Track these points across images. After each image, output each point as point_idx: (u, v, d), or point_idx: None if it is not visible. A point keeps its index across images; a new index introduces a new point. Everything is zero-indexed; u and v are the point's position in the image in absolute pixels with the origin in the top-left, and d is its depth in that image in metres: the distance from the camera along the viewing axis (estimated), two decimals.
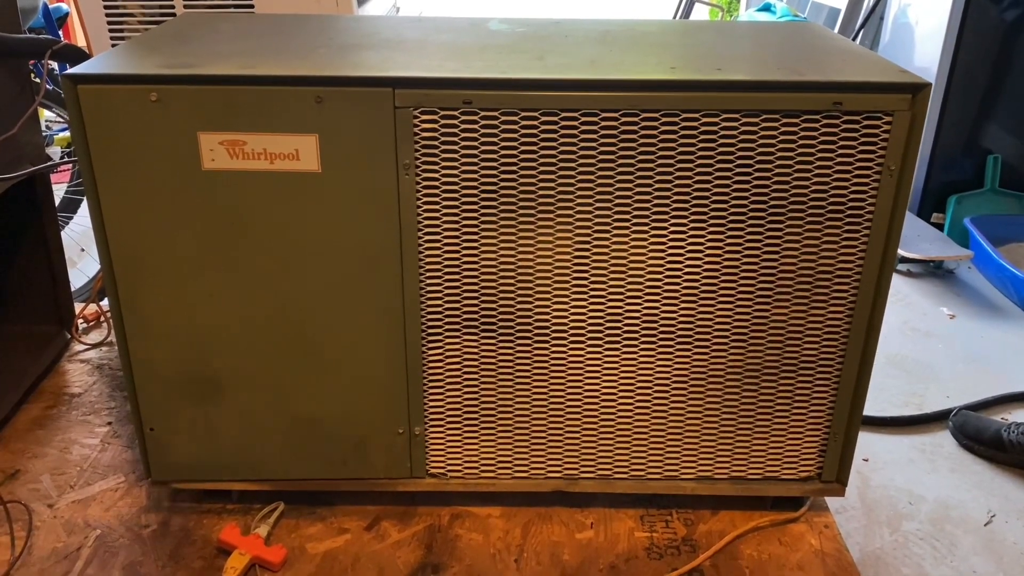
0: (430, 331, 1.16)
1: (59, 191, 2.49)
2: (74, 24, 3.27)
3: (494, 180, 1.07)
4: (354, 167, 1.06)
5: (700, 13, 5.02)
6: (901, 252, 2.60)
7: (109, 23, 1.91)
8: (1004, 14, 2.81)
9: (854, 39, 3.58)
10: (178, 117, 1.03)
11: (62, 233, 1.73)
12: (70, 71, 1.01)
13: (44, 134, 2.65)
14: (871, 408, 1.96)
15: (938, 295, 2.59)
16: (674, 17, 4.24)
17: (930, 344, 2.30)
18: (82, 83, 1.01)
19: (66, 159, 1.83)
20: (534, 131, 1.04)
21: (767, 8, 3.94)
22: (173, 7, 1.85)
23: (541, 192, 1.07)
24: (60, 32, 3.03)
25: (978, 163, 2.93)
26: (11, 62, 1.46)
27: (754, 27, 1.35)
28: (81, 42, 3.46)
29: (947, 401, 2.01)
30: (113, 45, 1.99)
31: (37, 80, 1.61)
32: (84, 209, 2.40)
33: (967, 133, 2.92)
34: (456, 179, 1.07)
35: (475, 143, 1.05)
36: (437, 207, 1.08)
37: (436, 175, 1.07)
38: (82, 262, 2.34)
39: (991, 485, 1.74)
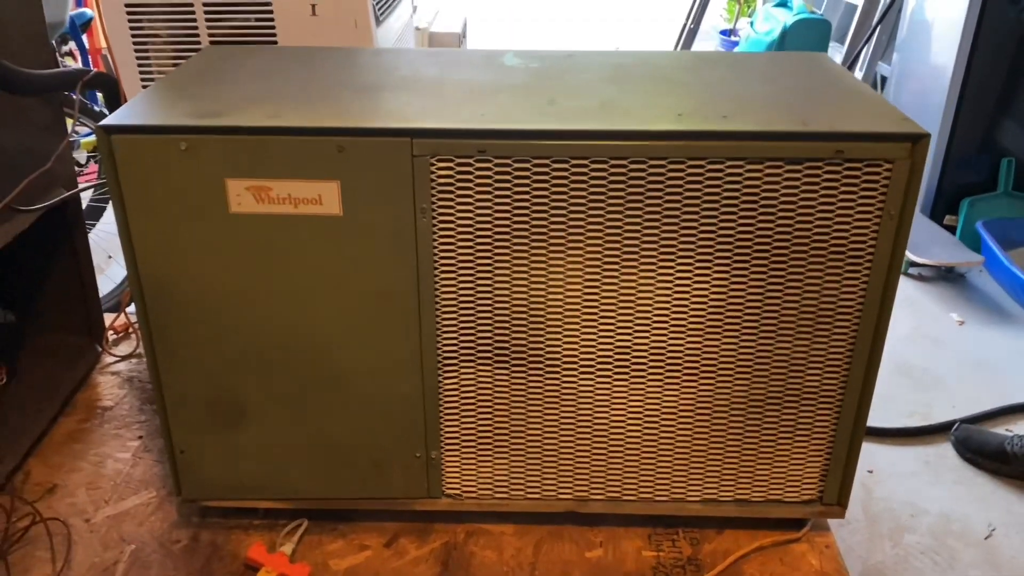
0: (446, 362, 1.21)
1: (83, 195, 2.55)
2: (98, 28, 3.34)
3: (507, 222, 1.12)
4: (374, 211, 1.11)
5: (718, 3, 5.01)
6: (912, 256, 2.63)
7: (134, 40, 1.96)
8: (1022, 14, 2.80)
9: (870, 36, 3.57)
10: (207, 165, 1.08)
11: (88, 237, 1.79)
12: (104, 123, 1.06)
13: (71, 139, 2.71)
14: (877, 418, 2.00)
15: (948, 300, 2.62)
16: (685, 21, 4.23)
17: (938, 351, 2.33)
18: (115, 133, 1.06)
19: (92, 161, 1.87)
20: (546, 177, 1.09)
21: (783, 3, 3.94)
22: (196, 29, 1.90)
23: (553, 233, 1.12)
24: (84, 36, 3.09)
25: (992, 165, 2.94)
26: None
27: (764, 61, 1.38)
28: (102, 39, 3.52)
29: (953, 411, 2.05)
30: (137, 57, 2.04)
31: (68, 111, 1.66)
32: (109, 215, 2.46)
33: (982, 134, 2.93)
34: (471, 221, 1.12)
35: (489, 188, 1.09)
36: (453, 247, 1.13)
37: (452, 218, 1.12)
38: (109, 268, 2.41)
39: (993, 498, 1.78)
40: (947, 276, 2.76)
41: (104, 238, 2.37)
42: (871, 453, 1.91)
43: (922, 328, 2.45)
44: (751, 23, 4.21)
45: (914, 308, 2.57)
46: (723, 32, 4.84)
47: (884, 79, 3.55)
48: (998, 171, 2.93)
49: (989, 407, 2.06)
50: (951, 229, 2.93)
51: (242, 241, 1.13)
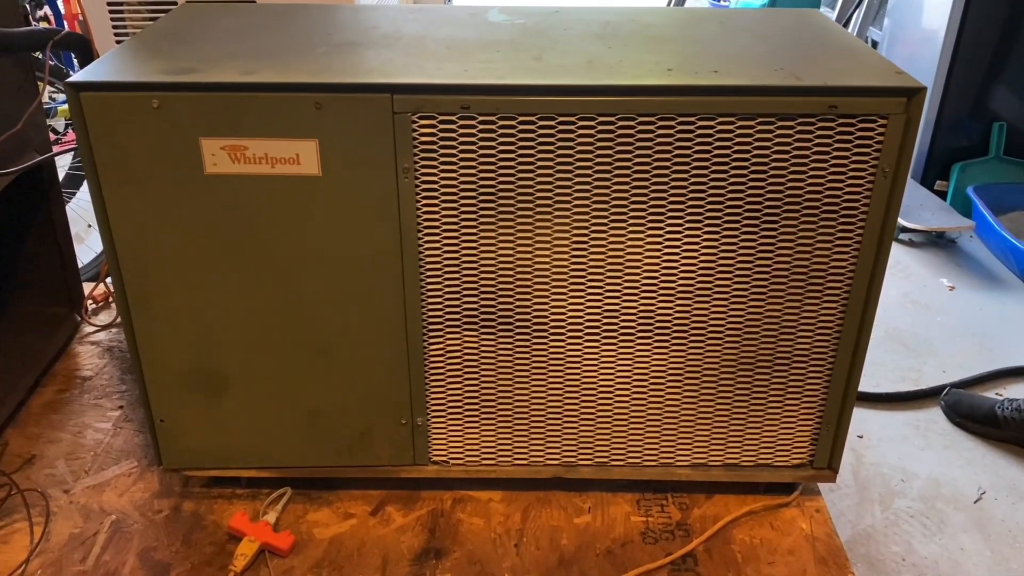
0: (431, 327, 1.19)
1: (61, 162, 2.50)
2: None
3: (492, 182, 1.08)
4: (354, 171, 1.07)
5: None
6: (902, 222, 2.61)
7: (108, 0, 1.91)
8: None
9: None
10: (180, 123, 1.04)
11: (67, 208, 1.75)
12: (72, 79, 1.02)
13: (46, 106, 2.65)
14: (868, 383, 2.00)
15: (939, 265, 2.60)
16: None
17: (929, 317, 2.32)
18: (84, 91, 1.02)
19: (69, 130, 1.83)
20: (531, 134, 1.05)
21: None
22: None
23: (539, 193, 1.09)
24: (59, 1, 3.01)
25: (984, 130, 2.91)
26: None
27: (756, 17, 1.34)
28: (78, 5, 3.43)
29: (943, 376, 2.04)
30: (112, 18, 1.99)
31: (39, 74, 1.61)
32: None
33: (973, 99, 2.90)
34: (455, 181, 1.08)
35: (473, 146, 1.06)
36: (436, 208, 1.10)
37: (435, 178, 1.08)
38: (89, 238, 2.37)
39: (983, 462, 1.78)
40: (938, 242, 2.75)
41: (84, 207, 2.32)
42: (861, 418, 1.90)
43: (913, 294, 2.44)
44: None
45: (905, 274, 2.55)
46: None
47: (875, 44, 3.51)
48: (989, 136, 2.90)
49: (979, 372, 2.05)
50: (942, 194, 2.91)
51: (218, 203, 1.09)
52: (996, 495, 1.69)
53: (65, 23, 3.29)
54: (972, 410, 1.86)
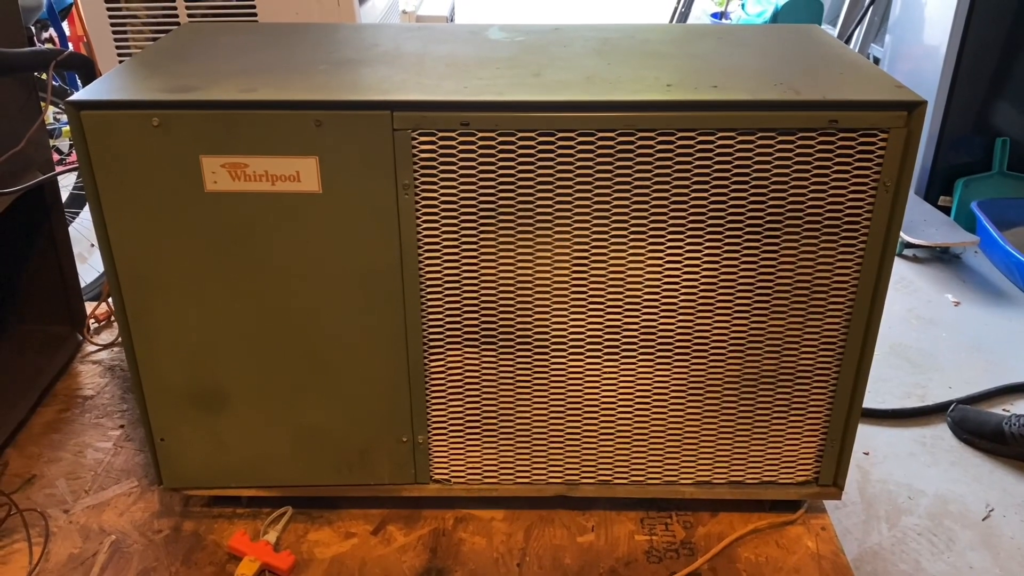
0: (432, 344, 1.18)
1: (65, 182, 2.52)
2: (79, 12, 3.28)
3: (492, 198, 1.08)
4: (354, 187, 1.07)
5: None
6: (906, 237, 2.61)
7: (112, 22, 1.92)
8: None
9: (863, 16, 3.54)
10: (180, 141, 1.04)
11: (70, 228, 1.76)
12: (72, 98, 1.02)
13: (50, 127, 2.67)
14: (873, 400, 1.98)
15: (944, 281, 2.59)
16: (676, 4, 4.19)
17: (934, 332, 2.31)
18: (85, 109, 1.03)
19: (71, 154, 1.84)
20: (531, 151, 1.05)
21: None
22: (175, 8, 1.86)
23: (539, 209, 1.09)
24: (64, 22, 3.03)
25: (987, 145, 2.91)
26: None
27: (755, 32, 1.35)
28: (84, 27, 3.46)
29: (949, 392, 2.03)
30: (115, 39, 2.00)
31: (42, 94, 1.62)
32: None
33: (976, 114, 2.90)
34: (455, 198, 1.08)
35: (473, 163, 1.06)
36: (437, 225, 1.10)
37: (435, 194, 1.08)
38: (92, 257, 2.37)
39: (990, 479, 1.76)
40: (942, 257, 2.74)
41: (88, 226, 2.33)
42: (867, 435, 1.88)
43: (917, 309, 2.43)
44: (742, 5, 4.18)
45: (909, 289, 2.54)
46: (714, 15, 4.80)
47: (877, 60, 3.52)
48: (992, 151, 2.90)
49: (985, 387, 2.04)
50: (946, 210, 2.91)
51: (219, 220, 1.09)
52: (1004, 512, 1.67)
53: (70, 44, 3.31)
54: (979, 426, 1.85)
